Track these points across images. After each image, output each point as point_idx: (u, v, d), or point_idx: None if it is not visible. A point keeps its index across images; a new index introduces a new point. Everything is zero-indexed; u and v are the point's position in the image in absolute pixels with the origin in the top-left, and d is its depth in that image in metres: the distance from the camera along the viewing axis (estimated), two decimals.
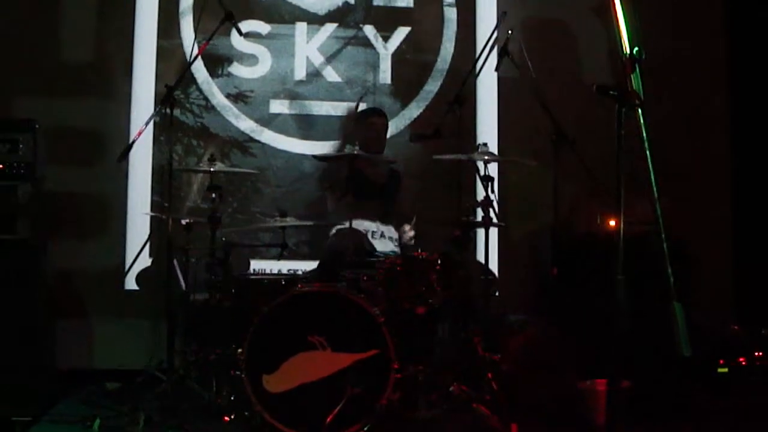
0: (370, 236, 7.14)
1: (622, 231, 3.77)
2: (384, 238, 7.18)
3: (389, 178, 7.59)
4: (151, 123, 7.17)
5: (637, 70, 3.69)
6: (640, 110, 3.63)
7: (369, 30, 8.33)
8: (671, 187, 7.03)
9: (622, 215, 3.77)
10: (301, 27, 8.25)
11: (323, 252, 7.26)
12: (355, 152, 6.56)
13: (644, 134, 3.58)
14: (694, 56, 8.48)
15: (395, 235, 7.24)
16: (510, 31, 6.92)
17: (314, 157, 7.54)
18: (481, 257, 6.77)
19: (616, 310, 3.75)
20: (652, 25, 7.66)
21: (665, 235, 3.59)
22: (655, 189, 3.59)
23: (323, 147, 8.04)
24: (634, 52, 3.70)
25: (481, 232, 6.90)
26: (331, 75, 8.27)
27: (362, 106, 7.88)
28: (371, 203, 7.20)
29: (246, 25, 7.83)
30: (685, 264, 6.98)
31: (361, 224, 7.09)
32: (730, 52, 8.64)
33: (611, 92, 3.71)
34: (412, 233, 7.11)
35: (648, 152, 3.54)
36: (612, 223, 3.88)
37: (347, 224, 6.57)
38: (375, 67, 8.33)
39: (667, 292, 3.59)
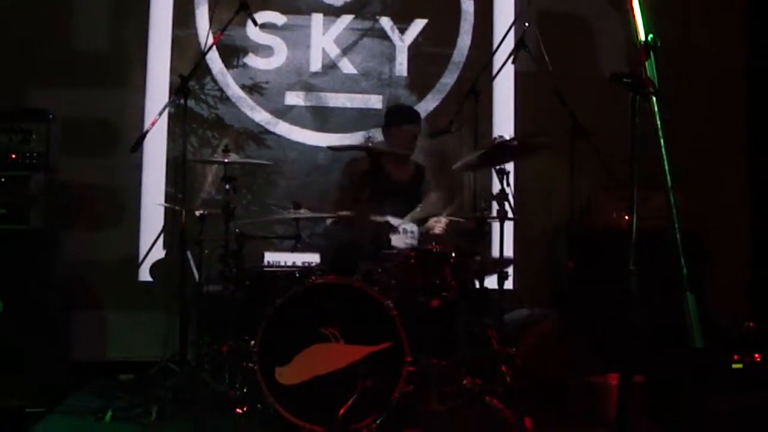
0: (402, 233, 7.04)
1: (635, 221, 3.73)
2: (399, 233, 7.07)
3: (414, 175, 7.36)
4: (166, 114, 7.14)
5: (652, 57, 3.63)
6: (654, 98, 3.57)
7: (385, 22, 8.31)
8: (687, 181, 6.99)
9: (635, 205, 3.72)
10: (317, 18, 8.24)
11: (335, 243, 7.21)
12: (370, 144, 6.49)
13: (658, 122, 3.52)
14: (710, 44, 8.47)
15: (414, 229, 7.13)
16: (527, 24, 6.89)
17: (329, 148, 7.49)
18: (496, 251, 6.72)
19: (628, 303, 3.70)
20: (668, 12, 7.66)
21: (678, 225, 3.54)
22: (668, 179, 3.53)
23: (339, 139, 8.03)
24: (649, 39, 3.63)
25: (496, 226, 6.86)
26: (347, 67, 8.26)
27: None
28: (394, 204, 7.00)
29: (262, 16, 7.82)
30: (700, 260, 6.95)
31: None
32: (748, 45, 8.61)
33: (625, 80, 3.66)
34: (441, 226, 6.99)
35: (661, 141, 3.48)
36: (627, 217, 3.84)
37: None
38: (391, 59, 8.32)
39: (681, 284, 3.54)
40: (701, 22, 8.44)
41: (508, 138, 6.30)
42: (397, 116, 7.24)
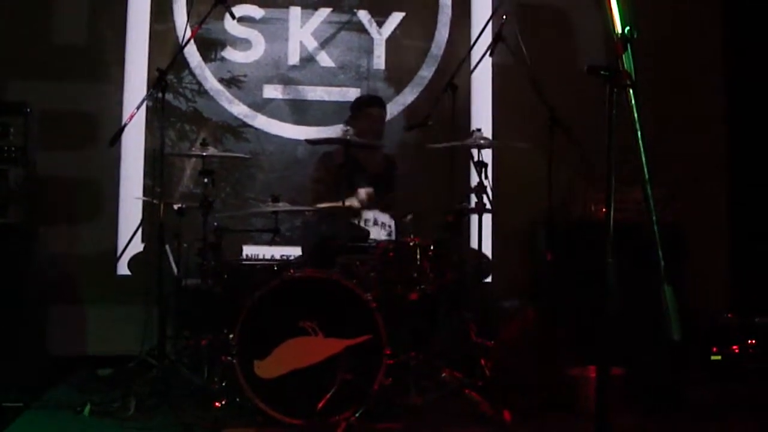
0: (363, 223, 7.07)
1: (612, 213, 3.74)
2: (377, 226, 7.11)
3: (385, 165, 7.49)
4: (144, 107, 7.13)
5: (629, 49, 3.65)
6: (631, 91, 3.58)
7: (363, 15, 8.31)
8: (667, 173, 7.02)
9: (612, 197, 3.73)
10: (295, 11, 8.23)
11: (311, 237, 7.21)
12: (348, 137, 6.49)
13: (635, 115, 3.53)
14: (690, 39, 8.51)
15: (390, 222, 7.17)
16: (504, 17, 6.88)
17: (307, 141, 7.48)
18: (474, 243, 6.73)
19: (607, 295, 3.71)
20: (648, 4, 7.67)
21: (656, 218, 3.56)
22: (646, 171, 3.55)
23: (316, 132, 8.05)
24: (626, 31, 3.65)
25: (474, 218, 6.87)
26: (324, 60, 8.25)
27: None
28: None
29: (239, 10, 7.81)
30: (680, 252, 6.97)
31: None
32: (727, 37, 8.63)
33: (602, 72, 3.67)
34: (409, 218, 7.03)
35: (639, 133, 3.50)
36: (605, 209, 3.84)
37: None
38: (369, 52, 8.32)
39: (660, 276, 3.56)
40: (679, 9, 8.46)
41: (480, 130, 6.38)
42: (359, 103, 7.48)
